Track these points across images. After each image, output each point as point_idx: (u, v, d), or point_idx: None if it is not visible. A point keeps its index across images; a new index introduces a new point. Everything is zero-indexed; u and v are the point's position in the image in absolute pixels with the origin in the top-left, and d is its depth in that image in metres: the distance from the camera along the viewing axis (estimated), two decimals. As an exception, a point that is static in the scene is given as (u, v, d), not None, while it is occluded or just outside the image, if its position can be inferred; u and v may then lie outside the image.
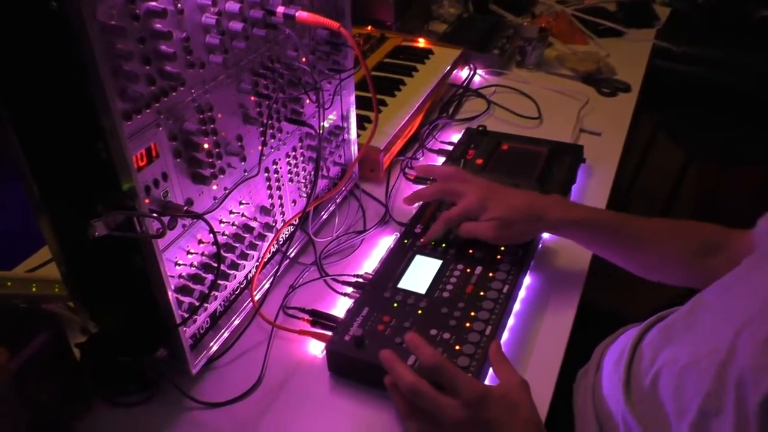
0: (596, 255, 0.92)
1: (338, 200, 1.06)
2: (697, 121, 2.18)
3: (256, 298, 0.86)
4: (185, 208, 0.68)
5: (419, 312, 0.81)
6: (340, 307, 0.88)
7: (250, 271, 0.88)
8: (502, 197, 0.87)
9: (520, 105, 1.38)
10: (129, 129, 0.60)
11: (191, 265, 0.74)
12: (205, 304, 0.75)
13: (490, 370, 0.74)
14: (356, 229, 1.02)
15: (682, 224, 0.86)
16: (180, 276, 0.73)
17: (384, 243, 0.99)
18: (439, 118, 1.31)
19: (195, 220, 0.72)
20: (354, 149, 1.09)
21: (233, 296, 0.86)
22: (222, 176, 0.76)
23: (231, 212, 0.80)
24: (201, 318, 0.79)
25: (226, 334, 0.82)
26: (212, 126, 0.72)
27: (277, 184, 0.90)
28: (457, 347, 0.75)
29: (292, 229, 0.95)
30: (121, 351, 0.73)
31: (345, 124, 1.05)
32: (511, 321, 0.85)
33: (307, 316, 0.84)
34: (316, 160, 0.93)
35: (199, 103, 0.69)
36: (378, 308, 0.81)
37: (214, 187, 0.76)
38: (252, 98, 0.79)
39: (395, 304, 0.82)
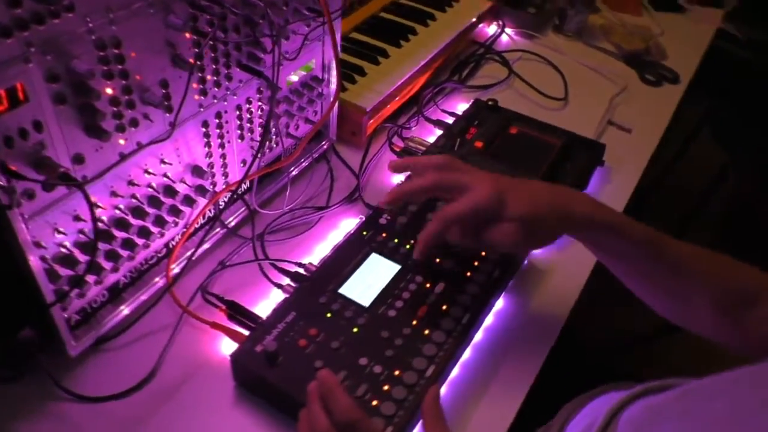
0: (597, 277, 0.75)
1: (304, 164, 0.90)
2: (749, 120, 1.95)
3: (175, 272, 0.73)
4: (61, 170, 0.52)
5: (354, 330, 0.67)
6: (272, 299, 0.74)
7: (173, 239, 0.74)
8: (522, 189, 0.64)
9: (546, 79, 1.18)
10: (-31, 63, 0.44)
11: (80, 232, 0.60)
12: (78, 289, 0.62)
13: (419, 424, 0.61)
14: (317, 203, 0.87)
15: (722, 259, 0.68)
16: (62, 245, 0.59)
17: (345, 226, 0.84)
18: (447, 81, 1.13)
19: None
20: (334, 106, 0.92)
21: (146, 266, 0.72)
22: (133, 129, 0.61)
23: (147, 172, 0.65)
24: (94, 291, 0.65)
25: (126, 311, 0.69)
26: (120, 67, 0.56)
27: (219, 141, 0.74)
28: (386, 388, 0.62)
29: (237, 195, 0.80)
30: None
31: (325, 76, 0.88)
32: (466, 354, 0.71)
33: (224, 307, 0.71)
34: (267, 118, 0.76)
35: (100, 36, 0.53)
36: (307, 315, 0.67)
37: (122, 142, 0.60)
38: (187, 35, 0.62)
39: (329, 314, 0.68)
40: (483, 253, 0.76)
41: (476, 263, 0.74)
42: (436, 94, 1.09)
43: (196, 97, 0.67)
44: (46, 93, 0.51)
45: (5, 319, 0.59)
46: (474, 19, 1.24)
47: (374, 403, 0.60)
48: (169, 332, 0.70)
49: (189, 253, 0.74)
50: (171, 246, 0.74)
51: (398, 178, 0.92)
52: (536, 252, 0.84)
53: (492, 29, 1.32)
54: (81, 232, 0.60)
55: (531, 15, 1.32)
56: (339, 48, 0.83)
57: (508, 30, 1.32)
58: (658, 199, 1.98)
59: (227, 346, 0.69)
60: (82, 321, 0.66)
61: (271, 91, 0.74)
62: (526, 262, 0.82)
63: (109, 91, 0.56)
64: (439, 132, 0.99)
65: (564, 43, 1.33)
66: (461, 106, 1.08)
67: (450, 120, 1.02)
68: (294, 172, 0.88)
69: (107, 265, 0.65)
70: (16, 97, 0.48)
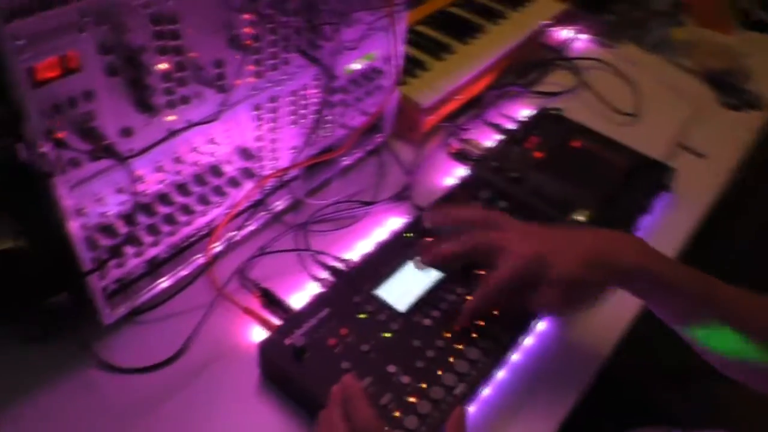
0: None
1: (356, 156, 0.88)
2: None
3: (215, 251, 0.72)
4: (106, 142, 0.52)
5: (386, 335, 0.64)
6: (308, 291, 0.72)
7: (215, 219, 0.73)
8: (563, 247, 0.61)
9: (617, 92, 1.12)
10: (24, 26, 0.44)
11: (123, 203, 0.60)
12: (116, 259, 0.61)
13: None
14: (365, 198, 0.85)
15: None
16: (104, 215, 0.59)
17: (391, 225, 0.82)
18: (511, 84, 1.08)
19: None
20: (392, 100, 0.89)
21: (187, 243, 0.72)
22: (184, 107, 0.60)
23: (194, 150, 0.65)
24: (133, 262, 0.65)
25: (165, 284, 0.69)
26: (175, 43, 0.55)
27: (271, 125, 0.73)
28: (411, 400, 0.59)
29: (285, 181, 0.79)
30: (20, 282, 0.61)
31: (387, 68, 0.85)
32: (501, 373, 0.68)
33: (259, 294, 0.70)
34: (320, 106, 0.74)
35: (157, 10, 0.52)
36: (340, 314, 0.65)
37: (171, 118, 0.60)
38: (246, 16, 0.61)
39: (362, 315, 0.66)
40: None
41: (521, 279, 0.71)
42: (499, 96, 1.05)
43: (251, 79, 0.66)
44: (99, 64, 0.50)
45: (42, 282, 0.60)
46: (547, 21, 1.19)
47: (396, 414, 0.58)
48: (202, 312, 0.69)
49: (230, 235, 0.73)
50: (213, 226, 0.73)
51: (450, 180, 0.89)
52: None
53: (565, 34, 1.26)
54: (123, 204, 0.60)
55: (609, 22, 1.25)
56: (403, 40, 0.81)
57: (582, 36, 1.26)
58: (733, 231, 1.86)
59: (257, 334, 0.68)
60: (118, 290, 0.66)
61: (326, 79, 0.72)
62: (574, 283, 0.78)
63: (162, 66, 0.55)
64: (498, 137, 0.96)
65: (641, 55, 1.26)
66: (524, 112, 1.04)
67: (511, 125, 0.98)
68: (346, 163, 0.86)
69: (148, 238, 0.64)
70: (68, 65, 0.48)
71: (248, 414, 0.63)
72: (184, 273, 0.70)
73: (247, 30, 0.62)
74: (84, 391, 0.62)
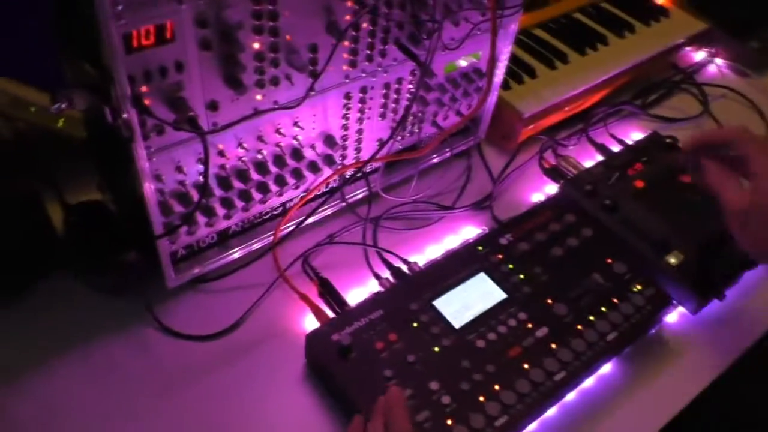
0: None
1: (445, 155, 0.85)
2: None
3: (286, 231, 0.73)
4: (191, 114, 0.53)
5: (436, 349, 0.62)
6: (368, 288, 0.71)
7: (290, 201, 0.73)
8: None
9: (749, 125, 1.01)
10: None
11: (201, 174, 0.61)
12: (187, 227, 0.63)
13: (471, 475, 0.55)
14: (443, 201, 0.82)
15: None
16: (181, 183, 0.60)
17: (465, 233, 0.79)
18: (626, 103, 1.00)
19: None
20: (490, 104, 0.85)
21: (259, 220, 0.72)
22: (273, 88, 0.60)
23: (278, 131, 0.65)
24: (204, 232, 0.67)
25: (232, 257, 0.71)
26: (272, 24, 0.55)
27: (359, 116, 0.71)
28: (449, 422, 0.57)
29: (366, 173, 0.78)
30: (99, 234, 0.64)
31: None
32: (551, 410, 0.64)
33: (317, 282, 0.69)
34: (410, 102, 0.72)
35: (258, -11, 0.52)
36: (393, 318, 0.64)
37: (259, 97, 0.60)
38: (348, 3, 0.59)
39: (415, 324, 0.64)
40: (604, 309, 0.67)
41: (592, 318, 0.66)
42: (610, 114, 0.98)
43: (345, 67, 0.65)
44: (193, 36, 0.51)
45: (117, 238, 0.63)
46: (681, 41, 1.09)
47: (431, 434, 0.56)
48: (261, 291, 0.70)
49: (302, 218, 0.73)
50: (287, 207, 0.74)
51: (537, 196, 0.85)
52: (672, 324, 0.73)
53: (699, 56, 1.15)
54: (202, 174, 0.61)
55: (752, 50, 1.13)
56: (511, 42, 0.77)
57: (718, 61, 1.15)
58: None
59: (310, 322, 0.68)
60: (186, 257, 0.68)
61: (422, 75, 0.70)
62: (653, 330, 0.72)
63: (256, 45, 0.55)
64: (599, 158, 0.89)
65: (784, 89, 1.13)
66: (634, 135, 0.96)
67: (616, 148, 0.91)
68: (432, 161, 0.84)
69: (221, 211, 0.66)
70: (163, 34, 0.49)
71: (287, 400, 0.63)
72: (251, 249, 0.71)
73: (347, 17, 0.60)
74: (137, 349, 0.64)
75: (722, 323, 0.73)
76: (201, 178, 0.61)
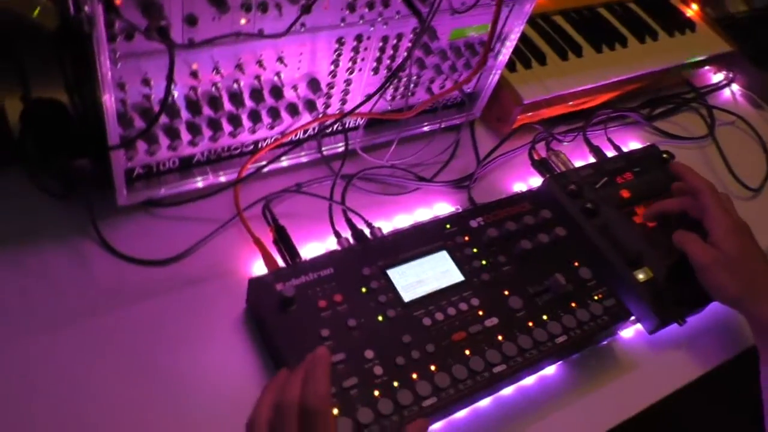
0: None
1: (434, 126, 0.81)
2: None
3: (252, 170, 0.69)
4: (162, 23, 0.49)
5: (379, 318, 0.60)
6: (324, 245, 0.69)
7: (263, 141, 0.70)
8: (737, 264, 0.67)
9: (748, 159, 0.99)
10: None
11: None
12: (147, 145, 0.60)
13: (386, 451, 0.53)
14: (422, 173, 0.79)
15: None
16: (146, 97, 0.57)
17: (438, 209, 0.76)
18: (631, 110, 0.97)
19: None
20: (492, 82, 0.82)
21: (226, 154, 0.69)
22: (260, 14, 0.56)
23: (259, 63, 0.61)
24: (165, 154, 0.64)
25: (191, 187, 0.67)
26: (266, -57, 0.51)
27: (350, 65, 0.68)
28: (375, 393, 0.55)
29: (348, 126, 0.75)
30: (56, 134, 0.61)
31: (497, 47, 0.78)
32: (484, 401, 0.62)
33: (273, 228, 0.67)
34: (404, 58, 0.68)
35: None
36: (343, 279, 0.61)
37: (243, 21, 0.56)
38: (355, -61, 0.55)
39: (364, 289, 0.61)
40: (560, 311, 0.64)
41: (545, 317, 0.64)
42: (613, 118, 0.95)
43: (342, 9, 0.61)
44: (179, -62, 0.47)
45: (74, 142, 0.59)
46: (701, 58, 1.05)
47: (355, 402, 0.54)
48: (215, 226, 0.67)
49: (271, 160, 0.70)
50: (259, 146, 0.70)
51: (519, 186, 0.82)
52: (626, 339, 0.71)
53: (716, 78, 1.12)
54: (171, 93, 0.58)
55: (771, 81, 1.10)
56: (524, 22, 0.73)
57: (734, 86, 1.12)
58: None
59: (258, 267, 0.65)
60: (143, 177, 0.65)
61: (420, 31, 0.66)
62: (605, 342, 0.70)
63: (246, -36, 0.52)
64: (592, 160, 0.86)
65: (793, 128, 1.10)
66: (632, 144, 0.93)
67: (611, 153, 0.88)
68: (424, 129, 0.80)
69: (186, 136, 0.62)
70: (145, -71, 0.45)
71: (219, 341, 0.61)
72: (214, 182, 0.68)
73: (352, -45, 0.57)
74: (74, 261, 0.62)
75: (676, 348, 0.72)
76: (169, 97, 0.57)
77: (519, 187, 0.82)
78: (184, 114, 0.60)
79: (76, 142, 0.62)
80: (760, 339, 0.66)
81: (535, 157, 0.84)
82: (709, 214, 0.68)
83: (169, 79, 0.50)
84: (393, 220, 0.73)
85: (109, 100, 0.53)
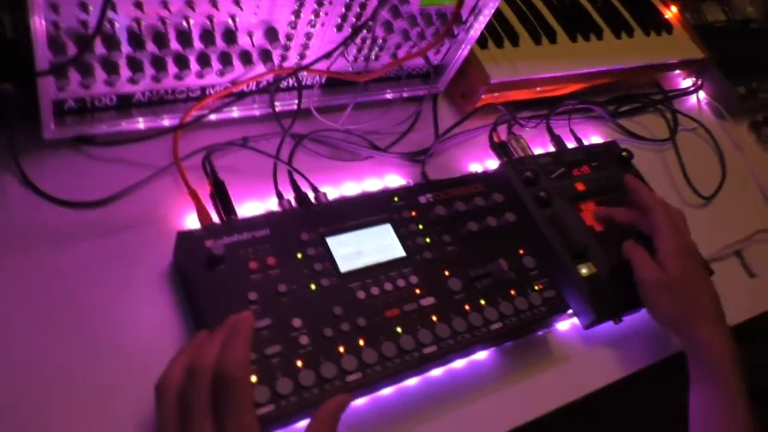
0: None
1: (404, 94, 0.78)
2: None
3: (195, 116, 0.65)
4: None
5: (312, 287, 0.57)
6: (264, 205, 0.66)
7: (212, 87, 0.66)
8: (693, 258, 0.69)
9: (703, 168, 0.99)
10: None
11: (110, 22, 0.53)
12: (81, 77, 0.55)
13: (301, 425, 0.51)
14: (377, 141, 0.76)
15: None
16: (82, 23, 0.52)
17: (389, 181, 0.74)
18: (597, 104, 0.96)
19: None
20: (460, 56, 0.79)
21: (170, 97, 0.65)
22: (215, -52, 0.52)
23: (213, 2, 0.57)
24: (101, 89, 0.59)
25: (127, 127, 0.63)
26: None
27: (312, 18, 0.64)
28: (298, 364, 0.52)
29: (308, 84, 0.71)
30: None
31: (470, 20, 0.75)
32: (412, 380, 0.60)
33: (211, 182, 0.63)
34: (369, 17, 0.65)
35: None
36: (278, 242, 0.58)
37: (195, -47, 0.52)
38: None
39: (299, 255, 0.59)
40: (498, 297, 0.63)
41: (483, 302, 0.62)
42: (578, 110, 0.94)
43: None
44: None
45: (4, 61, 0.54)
46: (673, 61, 1.05)
47: (275, 371, 0.51)
48: (149, 173, 0.63)
49: (217, 108, 0.66)
50: (207, 93, 0.66)
51: (474, 167, 0.80)
52: (561, 331, 0.70)
53: (685, 83, 1.12)
54: (111, 22, 0.53)
55: (736, 94, 1.10)
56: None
57: (701, 94, 1.12)
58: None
59: (191, 221, 0.62)
60: (75, 111, 0.60)
61: (391, -3, 0.62)
62: (541, 332, 0.69)
63: None
64: (550, 149, 0.85)
65: (752, 144, 1.11)
66: (594, 138, 0.92)
67: (571, 144, 0.86)
68: (386, 96, 0.77)
69: (126, 72, 0.58)
70: None
71: (139, 293, 0.57)
72: (153, 125, 0.64)
73: None
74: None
75: (609, 346, 0.72)
76: (108, 27, 0.53)
77: (475, 167, 0.80)
78: (125, 48, 0.56)
79: (3, 66, 0.56)
80: (692, 362, 0.66)
81: (495, 140, 0.83)
82: (659, 233, 0.67)
83: (103, 12, 0.46)
84: (340, 188, 0.70)
85: (38, 21, 0.49)
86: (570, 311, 0.68)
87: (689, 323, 0.66)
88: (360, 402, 0.57)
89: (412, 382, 0.60)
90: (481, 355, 0.65)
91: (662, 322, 0.68)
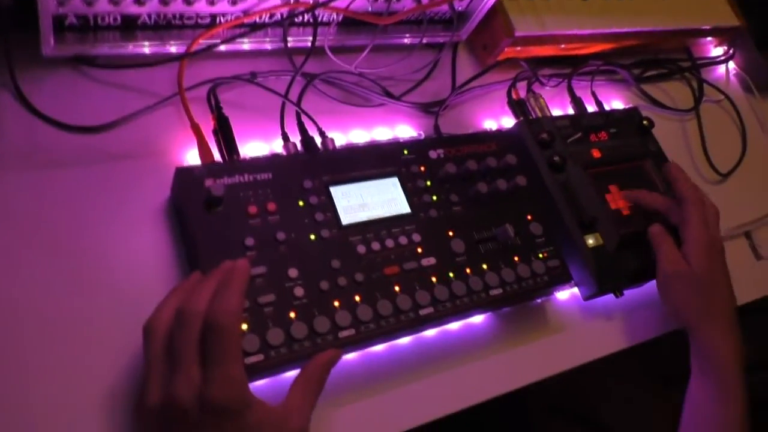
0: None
1: (423, 40, 0.74)
2: None
3: (204, 45, 0.62)
4: None
5: (311, 237, 0.55)
6: (269, 146, 0.63)
7: (223, 16, 0.62)
8: (719, 256, 0.68)
9: (724, 144, 0.96)
10: None
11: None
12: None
13: (289, 375, 0.51)
14: (391, 88, 0.73)
15: None
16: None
17: (400, 132, 0.71)
18: (622, 67, 0.92)
19: None
20: (486, 4, 0.74)
21: (178, 23, 0.61)
22: None
23: (229, -77, 0.53)
24: (104, 6, 0.55)
25: (131, 50, 0.60)
26: None
27: (334, -51, 0.60)
28: (291, 315, 0.51)
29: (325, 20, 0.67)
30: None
31: (501, -33, 0.70)
32: (404, 340, 0.60)
33: (215, 117, 0.60)
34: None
35: None
36: (281, 187, 0.56)
37: None
38: None
39: (301, 203, 0.57)
40: (501, 262, 0.62)
41: (485, 266, 0.61)
42: (602, 72, 0.89)
43: None
44: None
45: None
46: (707, 27, 0.99)
47: (267, 321, 0.50)
48: (151, 101, 0.60)
49: (227, 39, 0.62)
50: (216, 21, 0.62)
51: (489, 124, 0.77)
52: (560, 301, 0.69)
53: (716, 52, 1.07)
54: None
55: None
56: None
57: (731, 65, 1.07)
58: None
59: (192, 157, 0.60)
60: (77, 28, 0.57)
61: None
62: (539, 300, 0.68)
63: None
64: (569, 111, 0.82)
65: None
66: (615, 103, 0.89)
67: (592, 108, 0.83)
68: (405, 41, 0.73)
69: (132, -10, 0.54)
70: None
71: (133, 227, 0.56)
72: (157, 50, 0.61)
73: None
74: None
75: (607, 319, 0.71)
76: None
77: (489, 124, 0.77)
78: (131, -35, 0.52)
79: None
80: (697, 360, 0.65)
81: (513, 96, 0.79)
82: (689, 225, 0.66)
83: None
84: (349, 134, 0.67)
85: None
86: (573, 282, 0.67)
87: (704, 321, 0.65)
88: (350, 357, 0.57)
89: (404, 340, 0.60)
90: (477, 319, 0.64)
91: (675, 314, 0.67)
